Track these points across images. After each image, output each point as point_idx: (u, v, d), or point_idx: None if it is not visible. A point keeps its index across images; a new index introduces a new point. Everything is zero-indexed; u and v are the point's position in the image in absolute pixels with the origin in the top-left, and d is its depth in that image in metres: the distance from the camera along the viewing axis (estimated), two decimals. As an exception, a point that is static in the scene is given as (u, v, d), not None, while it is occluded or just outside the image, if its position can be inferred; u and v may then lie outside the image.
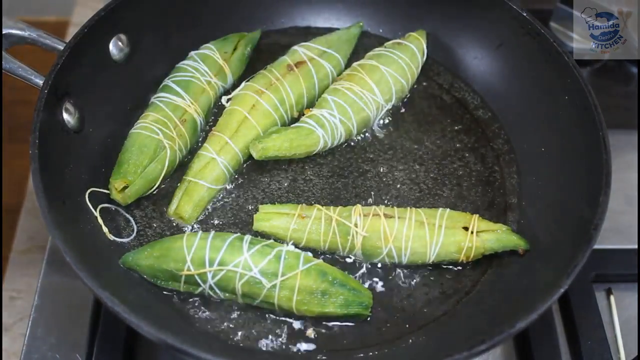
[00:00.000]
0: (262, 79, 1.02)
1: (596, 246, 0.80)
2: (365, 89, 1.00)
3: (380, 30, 1.13)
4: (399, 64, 1.03)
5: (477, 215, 0.90)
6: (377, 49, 1.06)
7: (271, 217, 0.90)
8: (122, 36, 0.98)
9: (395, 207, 0.90)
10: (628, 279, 1.03)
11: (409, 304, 0.87)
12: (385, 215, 0.88)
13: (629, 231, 1.08)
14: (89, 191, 0.89)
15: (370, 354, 0.82)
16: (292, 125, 0.98)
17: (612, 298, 1.01)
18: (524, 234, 0.91)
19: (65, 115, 0.89)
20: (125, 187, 0.90)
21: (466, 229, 0.87)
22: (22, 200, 1.16)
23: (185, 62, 1.03)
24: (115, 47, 0.98)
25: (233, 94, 1.01)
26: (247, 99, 0.99)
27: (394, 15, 1.12)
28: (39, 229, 1.12)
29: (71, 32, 1.34)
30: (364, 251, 0.88)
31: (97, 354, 0.92)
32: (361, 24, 1.12)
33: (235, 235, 0.86)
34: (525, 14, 0.98)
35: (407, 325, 0.85)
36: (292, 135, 0.96)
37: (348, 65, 1.07)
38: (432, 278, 0.89)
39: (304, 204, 0.92)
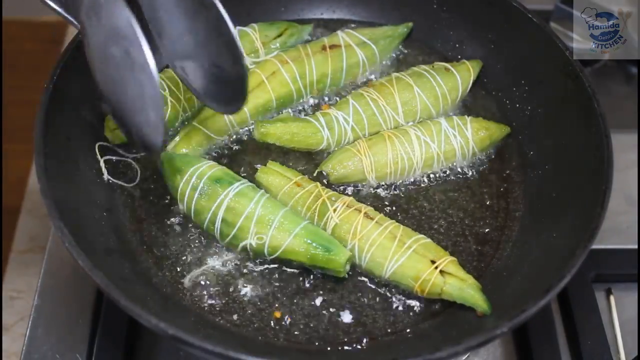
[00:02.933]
0: (294, 52, 1.04)
1: (596, 246, 0.80)
2: (390, 105, 0.99)
3: (439, 46, 1.12)
4: (435, 91, 1.01)
5: (455, 258, 0.86)
6: (423, 66, 1.04)
7: (272, 174, 0.94)
8: None
9: (380, 214, 0.90)
10: (628, 279, 1.03)
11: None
12: (366, 214, 0.88)
13: (629, 231, 1.08)
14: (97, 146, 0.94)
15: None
16: (302, 117, 0.99)
17: (612, 298, 1.01)
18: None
19: None
20: (118, 128, 0.94)
21: (434, 262, 0.84)
22: (22, 201, 1.16)
23: None
24: None
25: (260, 59, 1.04)
26: (269, 65, 1.02)
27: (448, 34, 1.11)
28: (39, 229, 1.13)
29: (71, 32, 1.34)
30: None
31: (97, 354, 0.92)
32: (410, 24, 1.11)
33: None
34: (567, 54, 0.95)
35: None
36: (295, 130, 0.97)
37: (386, 69, 1.09)
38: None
39: (306, 177, 0.94)
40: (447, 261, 0.85)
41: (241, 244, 0.86)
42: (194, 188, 0.88)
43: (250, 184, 0.90)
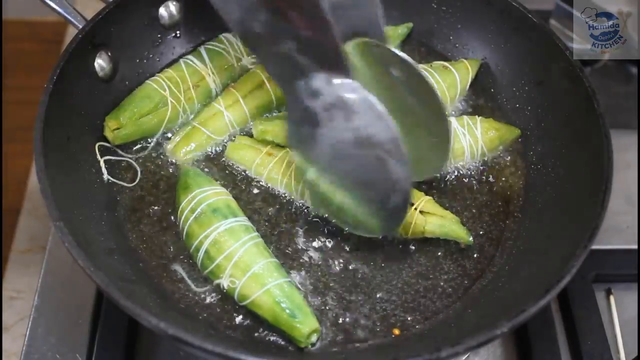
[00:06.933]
0: None
1: (596, 246, 0.79)
2: None
3: (439, 47, 1.12)
4: None
5: (430, 197, 0.90)
6: (421, 65, 1.04)
7: (243, 148, 0.95)
8: (174, 3, 1.04)
9: None
10: (628, 279, 1.03)
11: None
12: None
13: (629, 231, 1.08)
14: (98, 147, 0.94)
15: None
16: None
17: (612, 298, 1.01)
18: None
19: (99, 62, 0.95)
20: (118, 128, 0.95)
21: (413, 204, 0.88)
22: (22, 201, 1.16)
23: (227, 34, 1.06)
24: (166, 12, 1.04)
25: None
26: None
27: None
28: (39, 229, 1.13)
29: (71, 32, 1.34)
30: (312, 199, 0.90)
31: (97, 354, 0.92)
32: (410, 25, 1.11)
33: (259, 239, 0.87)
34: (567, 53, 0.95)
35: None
36: None
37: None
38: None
39: (275, 144, 0.96)
40: (424, 201, 0.88)
41: (215, 282, 0.84)
42: (192, 210, 0.87)
43: (246, 223, 0.88)
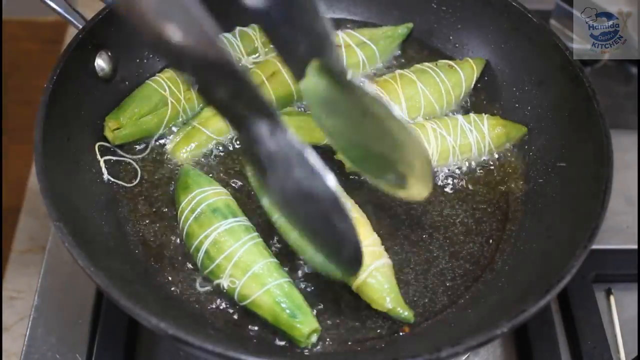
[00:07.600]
0: None
1: (596, 246, 0.79)
2: (393, 101, 0.99)
3: (439, 47, 1.12)
4: (438, 87, 1.01)
5: (388, 264, 0.84)
6: (427, 63, 1.04)
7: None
8: None
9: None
10: (628, 279, 1.03)
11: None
12: None
13: (629, 231, 1.08)
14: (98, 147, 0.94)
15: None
16: (307, 112, 1.00)
17: (612, 298, 1.01)
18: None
19: (99, 62, 0.96)
20: (118, 129, 0.95)
21: None
22: (22, 200, 1.16)
23: (226, 34, 1.06)
24: None
25: (260, 58, 1.05)
26: (269, 65, 1.02)
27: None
28: (39, 229, 1.13)
29: (71, 32, 1.34)
30: None
31: (97, 354, 0.92)
32: (410, 25, 1.11)
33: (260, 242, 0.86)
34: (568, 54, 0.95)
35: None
36: (301, 123, 0.96)
37: (389, 66, 1.09)
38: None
39: None
40: (373, 270, 0.83)
41: (215, 282, 0.84)
42: (192, 210, 0.87)
43: (246, 223, 0.87)
